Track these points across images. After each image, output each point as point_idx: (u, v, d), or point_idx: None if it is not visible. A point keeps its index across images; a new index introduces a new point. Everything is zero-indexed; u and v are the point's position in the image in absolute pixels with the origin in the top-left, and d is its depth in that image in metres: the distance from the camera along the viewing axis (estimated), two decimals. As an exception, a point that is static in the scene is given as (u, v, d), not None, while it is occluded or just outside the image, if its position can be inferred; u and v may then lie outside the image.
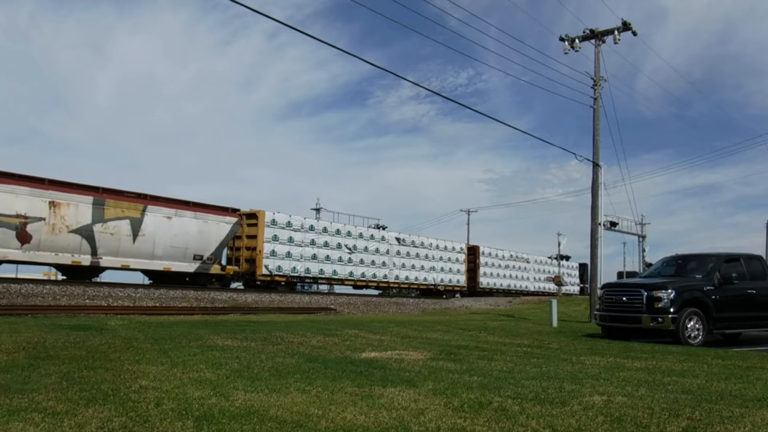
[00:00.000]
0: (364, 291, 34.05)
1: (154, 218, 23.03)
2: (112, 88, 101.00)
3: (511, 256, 44.78)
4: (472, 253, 41.48)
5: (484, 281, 41.67)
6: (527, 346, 10.29)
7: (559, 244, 54.18)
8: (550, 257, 51.50)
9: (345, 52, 20.76)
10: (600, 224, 22.92)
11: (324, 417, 4.23)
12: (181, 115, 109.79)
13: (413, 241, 36.56)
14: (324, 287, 36.20)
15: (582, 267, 52.24)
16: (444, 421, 4.19)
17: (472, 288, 40.66)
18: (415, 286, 37.14)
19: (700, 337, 11.72)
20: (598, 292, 15.68)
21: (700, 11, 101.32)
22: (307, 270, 29.91)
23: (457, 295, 39.30)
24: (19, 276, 23.82)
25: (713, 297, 12.09)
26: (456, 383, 5.76)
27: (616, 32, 23.02)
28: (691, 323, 11.73)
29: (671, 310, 11.59)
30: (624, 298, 12.46)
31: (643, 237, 45.66)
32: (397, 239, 36.00)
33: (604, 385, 5.95)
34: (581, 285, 51.60)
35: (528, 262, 46.20)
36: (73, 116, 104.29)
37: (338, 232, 32.14)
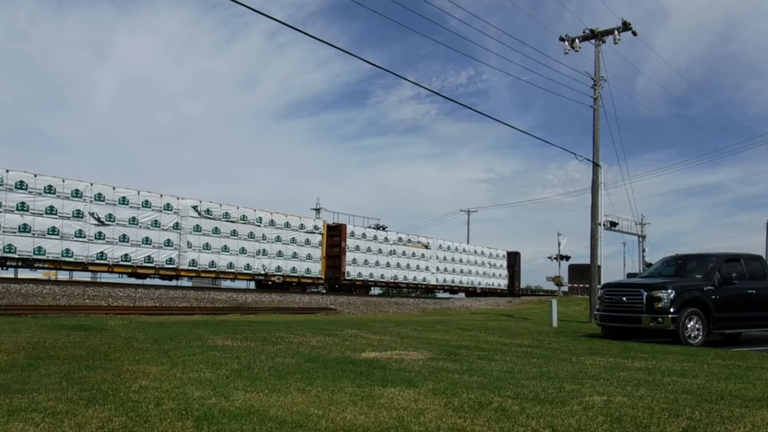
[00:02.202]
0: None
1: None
2: (112, 88, 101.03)
3: (400, 239, 34.74)
4: (337, 233, 31.20)
5: (354, 271, 31.37)
6: (527, 346, 10.29)
7: (559, 244, 54.21)
8: (490, 247, 42.54)
9: (345, 52, 20.72)
10: (600, 224, 22.93)
11: (324, 417, 4.23)
12: (180, 115, 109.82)
13: (243, 216, 26.94)
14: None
15: (512, 256, 44.13)
16: (444, 421, 4.19)
17: (335, 279, 31.09)
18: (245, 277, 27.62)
19: (700, 337, 11.71)
20: (598, 292, 15.68)
21: (700, 11, 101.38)
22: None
23: (320, 288, 31.59)
24: (19, 276, 23.80)
25: (713, 297, 12.09)
26: (456, 383, 5.75)
27: (616, 32, 23.02)
28: (691, 323, 11.73)
29: (671, 310, 11.59)
30: (624, 298, 12.46)
31: (643, 237, 45.70)
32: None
33: (604, 385, 5.94)
34: (510, 277, 43.42)
35: (427, 247, 36.21)
36: (73, 116, 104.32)
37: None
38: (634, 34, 23.50)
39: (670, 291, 11.75)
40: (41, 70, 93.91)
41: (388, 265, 33.88)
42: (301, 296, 26.45)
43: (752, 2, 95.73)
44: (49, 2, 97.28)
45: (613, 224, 31.43)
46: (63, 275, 29.21)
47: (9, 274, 22.71)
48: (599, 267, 22.89)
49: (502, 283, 42.49)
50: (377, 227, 37.07)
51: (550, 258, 54.68)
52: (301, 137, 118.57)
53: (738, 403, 5.12)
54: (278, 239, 28.24)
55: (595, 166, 22.68)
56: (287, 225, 28.73)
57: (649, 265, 26.07)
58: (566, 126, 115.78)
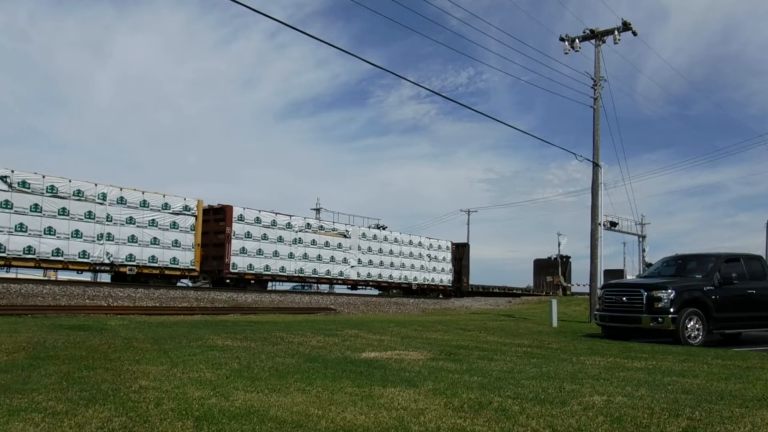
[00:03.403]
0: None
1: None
2: (112, 88, 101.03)
3: (309, 225, 29.77)
4: (222, 217, 26.11)
5: (243, 263, 26.33)
6: (527, 346, 10.29)
7: (559, 244, 54.24)
8: (430, 237, 37.58)
9: (345, 52, 20.71)
10: (600, 224, 22.93)
11: (324, 417, 4.23)
12: (181, 115, 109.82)
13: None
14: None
15: (459, 249, 39.63)
16: (444, 421, 4.19)
17: (218, 272, 26.07)
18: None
19: (700, 337, 11.71)
20: (598, 292, 15.68)
21: (701, 10, 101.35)
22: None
23: (198, 282, 26.10)
24: (19, 276, 23.79)
25: (713, 297, 12.09)
26: (456, 383, 5.76)
27: (616, 32, 23.02)
28: (691, 323, 11.73)
29: (671, 310, 11.59)
30: (624, 298, 12.46)
31: (643, 237, 45.72)
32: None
33: (604, 385, 5.94)
34: (456, 272, 38.90)
35: (345, 236, 31.29)
36: (73, 116, 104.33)
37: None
38: (634, 34, 23.52)
39: (670, 291, 11.75)
40: (41, 69, 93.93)
41: (291, 256, 28.39)
42: (301, 296, 26.46)
43: (753, 2, 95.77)
44: (49, 2, 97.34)
45: (613, 224, 31.38)
46: (63, 275, 29.04)
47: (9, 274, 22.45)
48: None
49: (445, 278, 37.58)
50: (378, 227, 36.53)
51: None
52: (301, 137, 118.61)
53: (738, 403, 5.12)
54: (130, 221, 22.86)
55: (595, 166, 22.68)
56: (144, 204, 23.38)
57: (649, 265, 26.08)
58: (566, 126, 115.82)
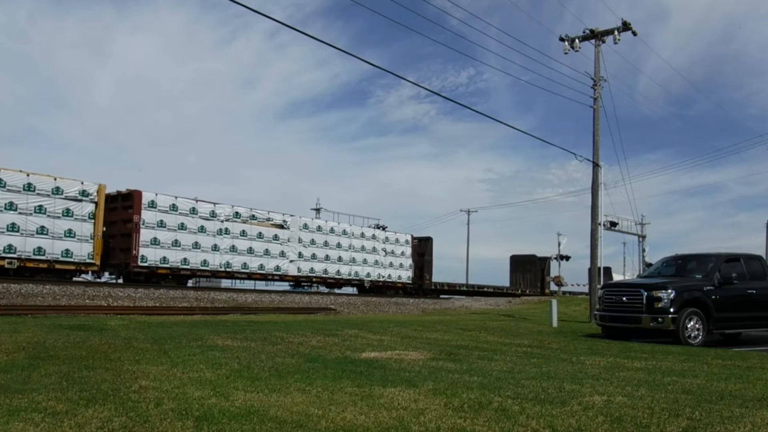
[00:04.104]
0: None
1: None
2: (112, 88, 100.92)
3: (237, 214, 26.46)
4: (130, 204, 23.30)
5: (156, 255, 23.49)
6: (527, 346, 10.29)
7: (559, 244, 54.12)
8: (387, 229, 35.12)
9: (345, 52, 20.75)
10: (600, 224, 22.93)
11: (324, 417, 4.23)
12: (181, 115, 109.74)
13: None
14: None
15: (422, 243, 36.69)
16: (444, 421, 4.19)
17: (125, 265, 23.19)
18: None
19: (700, 337, 11.72)
20: (598, 292, 15.68)
21: (701, 10, 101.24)
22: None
23: (102, 277, 24.14)
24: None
25: (713, 297, 12.09)
26: (456, 383, 5.76)
27: (616, 32, 23.02)
28: (691, 323, 11.73)
29: (671, 310, 11.59)
30: (624, 298, 12.46)
31: (643, 237, 45.74)
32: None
33: (604, 385, 5.95)
34: (418, 269, 35.89)
35: (283, 227, 28.22)
36: (73, 116, 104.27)
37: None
38: (634, 34, 23.52)
39: (670, 291, 11.75)
40: (41, 69, 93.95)
41: (215, 248, 25.43)
42: (301, 296, 26.46)
43: (754, 2, 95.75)
44: (49, 2, 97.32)
45: (613, 224, 31.39)
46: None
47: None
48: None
49: (405, 275, 34.50)
50: (377, 227, 36.30)
51: (550, 258, 54.64)
52: (301, 137, 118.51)
53: (738, 403, 5.12)
54: (11, 207, 19.73)
55: (595, 166, 22.68)
56: (29, 188, 20.25)
57: (649, 265, 26.08)
58: (566, 126, 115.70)
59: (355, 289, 32.72)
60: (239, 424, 3.98)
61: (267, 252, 27.49)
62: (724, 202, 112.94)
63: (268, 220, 27.90)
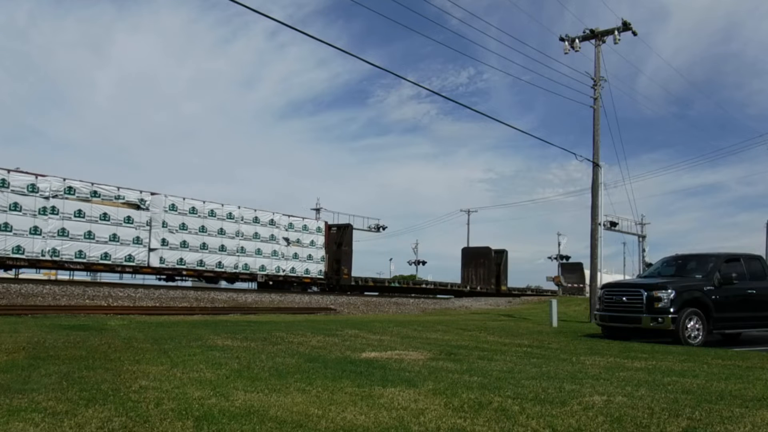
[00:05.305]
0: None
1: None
2: (112, 88, 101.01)
3: (70, 189, 21.67)
4: None
5: None
6: (527, 346, 10.29)
7: (559, 244, 54.24)
8: (289, 215, 29.26)
9: (345, 52, 20.69)
10: (600, 224, 22.93)
11: (324, 417, 4.23)
12: (180, 115, 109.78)
13: None
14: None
15: (340, 231, 32.47)
16: (444, 421, 4.19)
17: None
18: None
19: (700, 337, 11.71)
20: (598, 292, 15.68)
21: (701, 10, 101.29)
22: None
23: None
24: (19, 276, 23.79)
25: (713, 297, 12.08)
26: (456, 383, 5.75)
27: (616, 32, 23.02)
28: (691, 323, 11.72)
29: (671, 310, 11.59)
30: (624, 298, 12.45)
31: (643, 237, 45.79)
32: None
33: (604, 385, 5.94)
34: (335, 261, 31.66)
35: (141, 207, 23.39)
36: (73, 116, 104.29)
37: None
38: (635, 34, 23.51)
39: (670, 291, 11.75)
40: (41, 69, 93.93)
41: (35, 231, 20.62)
42: (301, 296, 26.47)
43: (754, 1, 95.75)
44: (49, 2, 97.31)
45: (613, 224, 31.45)
46: (62, 275, 28.67)
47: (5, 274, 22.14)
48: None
49: (315, 268, 30.00)
50: (378, 228, 36.14)
51: (550, 258, 54.71)
52: (301, 137, 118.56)
53: (738, 403, 5.12)
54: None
55: (595, 166, 22.68)
56: None
57: (649, 265, 26.07)
58: (566, 126, 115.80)
59: (253, 284, 28.00)
60: (239, 424, 3.98)
61: (115, 238, 22.50)
62: (724, 202, 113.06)
63: (118, 198, 22.85)
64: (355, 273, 33.01)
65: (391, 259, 66.70)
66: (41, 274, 29.67)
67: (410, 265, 61.18)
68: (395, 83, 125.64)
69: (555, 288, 50.15)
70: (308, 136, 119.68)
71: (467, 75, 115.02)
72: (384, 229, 43.68)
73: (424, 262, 61.33)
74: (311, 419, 4.17)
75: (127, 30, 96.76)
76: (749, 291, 12.68)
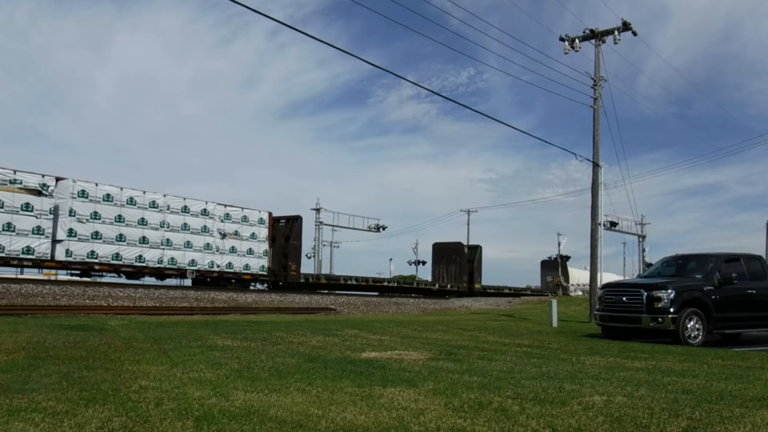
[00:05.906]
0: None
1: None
2: (112, 88, 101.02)
3: None
4: None
5: None
6: (527, 346, 10.29)
7: (559, 244, 54.18)
8: (227, 204, 26.31)
9: (345, 52, 20.67)
10: (600, 224, 22.92)
11: (324, 417, 4.23)
12: (180, 115, 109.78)
13: None
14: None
15: (288, 223, 29.41)
16: (444, 421, 4.18)
17: None
18: None
19: (700, 337, 11.71)
20: (598, 292, 15.68)
21: (702, 10, 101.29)
22: None
23: None
24: (19, 276, 23.78)
25: (713, 297, 12.08)
26: (456, 383, 5.75)
27: (616, 32, 23.01)
28: (691, 323, 11.72)
29: (671, 310, 11.59)
30: (624, 298, 12.45)
31: (643, 237, 45.81)
32: None
33: (604, 385, 5.94)
34: (281, 255, 28.74)
35: (43, 193, 20.55)
36: (73, 116, 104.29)
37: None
38: (635, 34, 23.51)
39: (670, 291, 11.74)
40: (41, 69, 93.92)
41: None
42: (301, 296, 26.48)
43: (754, 1, 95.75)
44: (49, 2, 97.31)
45: (613, 224, 31.46)
46: (62, 275, 28.28)
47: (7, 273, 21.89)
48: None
49: (256, 263, 27.24)
50: (378, 228, 36.18)
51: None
52: (301, 137, 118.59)
53: (738, 403, 5.12)
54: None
55: (595, 166, 22.67)
56: None
57: (649, 265, 26.06)
58: (566, 126, 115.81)
59: (185, 280, 25.44)
60: (239, 424, 3.98)
61: (9, 227, 19.67)
62: (724, 202, 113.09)
63: (14, 182, 19.89)
64: (354, 273, 32.18)
65: (391, 259, 66.79)
66: (41, 274, 29.66)
67: (410, 265, 61.19)
68: (395, 83, 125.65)
69: (554, 289, 50.19)
70: (308, 136, 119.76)
71: (467, 75, 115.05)
72: (384, 229, 43.73)
73: (424, 262, 61.27)
74: (311, 419, 4.17)
75: (127, 30, 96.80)
76: (749, 291, 12.68)
